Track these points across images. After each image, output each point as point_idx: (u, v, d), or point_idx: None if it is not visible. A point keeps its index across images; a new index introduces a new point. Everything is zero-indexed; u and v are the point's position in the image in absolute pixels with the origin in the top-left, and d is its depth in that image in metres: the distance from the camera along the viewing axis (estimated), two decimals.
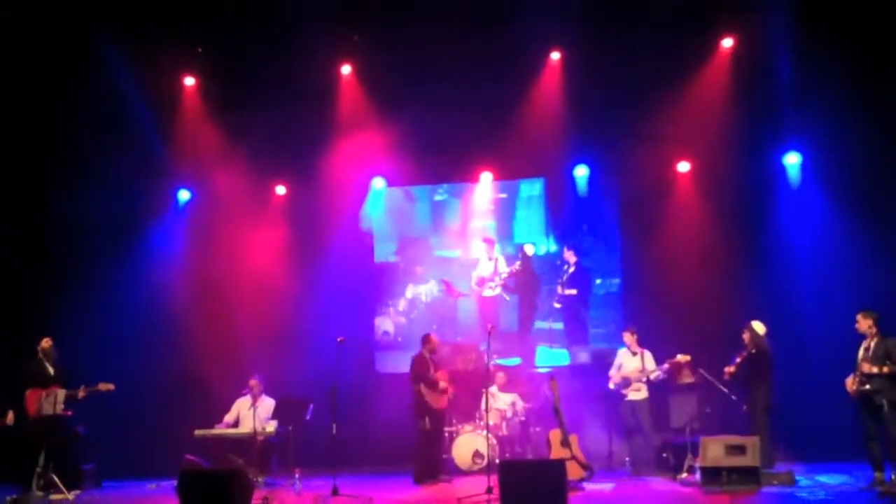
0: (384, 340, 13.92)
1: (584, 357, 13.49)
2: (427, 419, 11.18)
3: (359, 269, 14.10)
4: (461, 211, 14.18)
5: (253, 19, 12.95)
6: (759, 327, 10.95)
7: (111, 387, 10.97)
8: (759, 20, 12.38)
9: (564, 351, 13.64)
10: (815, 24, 12.09)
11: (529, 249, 13.80)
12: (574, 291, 13.54)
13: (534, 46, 13.13)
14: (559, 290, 13.59)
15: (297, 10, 12.41)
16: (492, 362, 11.67)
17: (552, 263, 13.76)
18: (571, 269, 13.57)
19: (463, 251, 14.07)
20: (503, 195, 14.13)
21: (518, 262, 13.73)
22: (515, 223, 14.06)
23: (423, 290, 14.09)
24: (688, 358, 11.16)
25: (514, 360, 13.64)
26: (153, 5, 12.59)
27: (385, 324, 14.04)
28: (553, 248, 13.86)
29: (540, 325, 13.75)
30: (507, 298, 13.80)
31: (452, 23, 12.61)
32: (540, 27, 12.72)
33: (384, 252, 14.26)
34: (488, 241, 13.84)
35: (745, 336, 10.95)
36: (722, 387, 10.96)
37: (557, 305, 13.63)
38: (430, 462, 11.21)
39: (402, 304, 14.12)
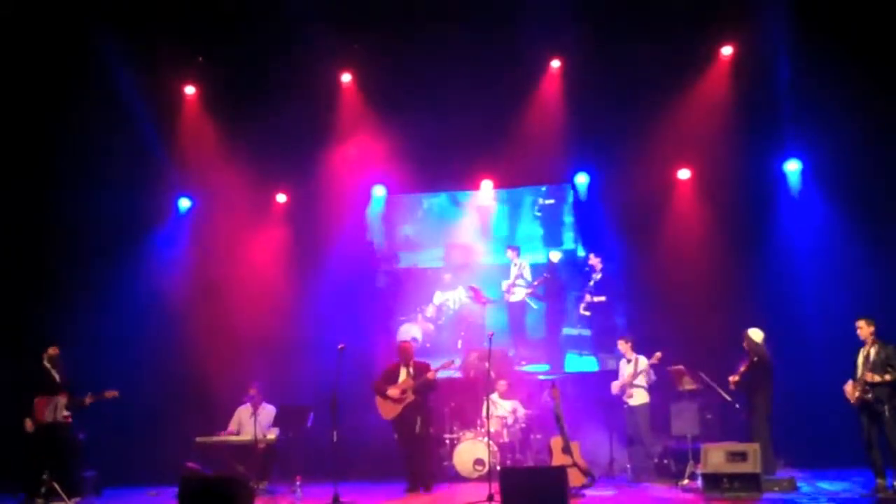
0: (412, 347, 13.81)
1: (613, 364, 13.20)
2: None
3: (360, 275, 14.10)
4: (509, 216, 14.14)
5: (254, 28, 12.99)
6: (755, 335, 10.91)
7: (116, 393, 11.03)
8: (758, 28, 12.41)
9: (593, 357, 13.57)
10: (814, 31, 12.13)
11: (555, 256, 13.75)
12: (603, 298, 13.50)
13: (534, 54, 13.17)
14: (587, 297, 13.52)
15: (298, 19, 12.44)
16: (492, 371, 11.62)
17: (581, 269, 13.69)
18: (598, 276, 13.52)
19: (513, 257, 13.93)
20: (550, 201, 14.07)
21: (525, 262, 13.73)
22: (564, 229, 14.00)
23: (451, 297, 14.04)
24: (658, 355, 11.20)
25: (543, 367, 13.57)
26: (155, 13, 12.63)
27: (413, 330, 13.95)
28: (582, 253, 13.79)
29: (569, 331, 13.67)
30: (535, 307, 13.75)
31: (453, 30, 12.66)
32: (540, 35, 12.77)
33: (427, 258, 14.21)
34: (513, 249, 13.82)
35: (746, 344, 10.95)
36: (720, 390, 10.97)
37: (586, 313, 13.55)
38: (411, 471, 11.08)
39: (430, 311, 14.06)
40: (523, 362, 13.65)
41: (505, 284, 13.82)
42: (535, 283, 13.68)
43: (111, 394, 11.01)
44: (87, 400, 10.90)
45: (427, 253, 14.30)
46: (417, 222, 14.47)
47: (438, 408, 12.54)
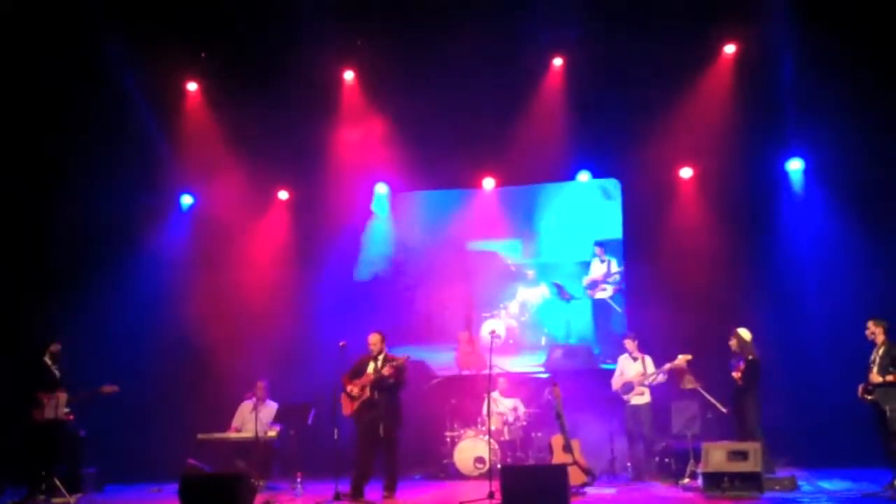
0: (494, 343, 13.64)
1: None
2: None
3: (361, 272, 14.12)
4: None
5: (257, 24, 12.97)
6: (745, 334, 10.87)
7: (116, 388, 10.94)
8: (762, 26, 12.39)
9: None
10: (817, 30, 12.10)
11: None
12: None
13: (537, 52, 13.16)
14: None
15: (301, 15, 12.45)
16: (497, 371, 11.59)
17: None
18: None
19: None
20: None
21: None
22: None
23: (534, 293, 13.84)
24: (689, 357, 11.11)
25: None
26: (158, 10, 12.63)
27: (496, 326, 13.66)
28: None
29: None
30: (619, 309, 13.50)
31: (456, 28, 12.63)
32: (543, 33, 12.79)
33: (573, 252, 13.91)
34: (600, 245, 13.59)
35: (732, 343, 10.86)
36: (713, 400, 10.88)
37: None
38: (358, 473, 10.05)
39: (513, 307, 13.85)
40: (608, 360, 13.32)
41: (585, 280, 13.65)
42: (619, 280, 13.48)
43: (110, 388, 10.90)
44: (94, 394, 10.82)
45: (575, 246, 13.91)
46: (563, 213, 14.01)
47: (439, 406, 12.56)
